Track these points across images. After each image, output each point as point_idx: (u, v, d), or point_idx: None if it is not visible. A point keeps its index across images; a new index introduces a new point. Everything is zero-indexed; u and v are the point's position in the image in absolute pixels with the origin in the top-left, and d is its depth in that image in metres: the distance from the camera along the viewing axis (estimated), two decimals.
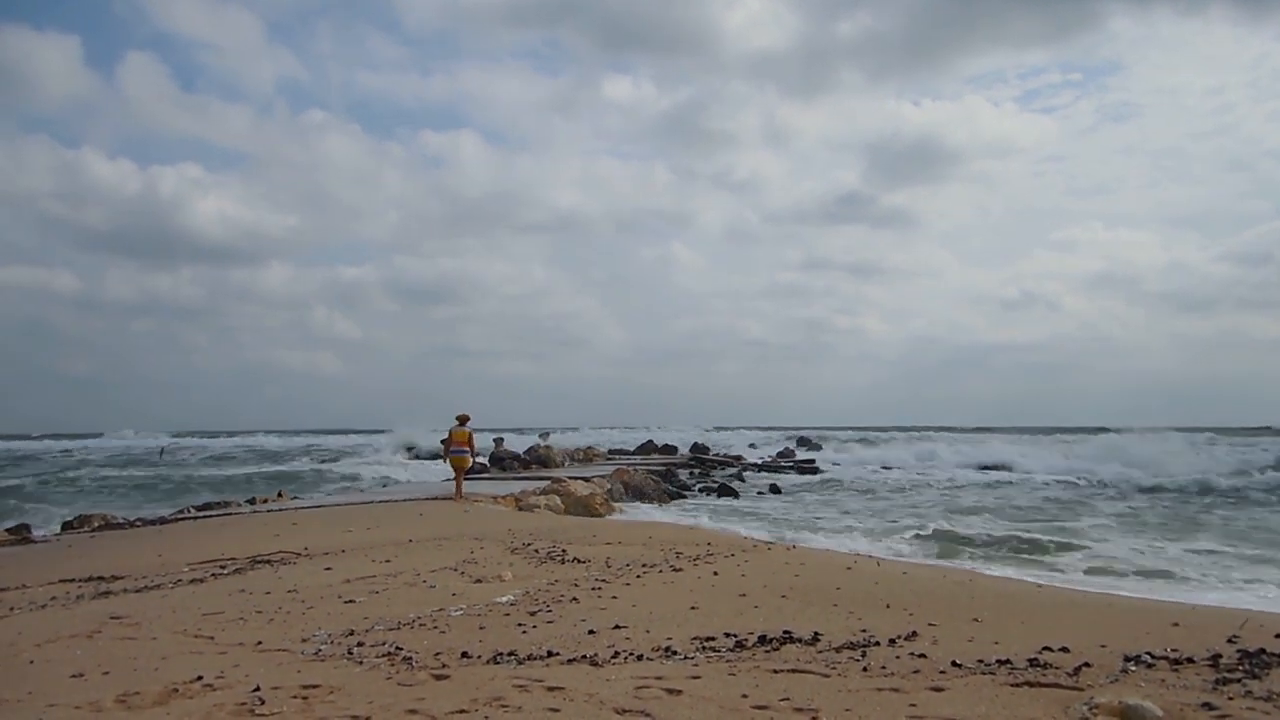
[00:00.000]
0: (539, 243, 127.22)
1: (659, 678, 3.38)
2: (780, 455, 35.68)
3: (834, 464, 29.67)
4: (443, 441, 14.49)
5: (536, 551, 7.28)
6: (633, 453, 39.91)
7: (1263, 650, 3.63)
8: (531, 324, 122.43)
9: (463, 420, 13.99)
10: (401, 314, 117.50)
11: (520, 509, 12.86)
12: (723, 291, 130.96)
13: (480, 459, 27.17)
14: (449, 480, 14.80)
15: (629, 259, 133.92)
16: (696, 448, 37.62)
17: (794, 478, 24.48)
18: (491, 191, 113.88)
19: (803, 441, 38.62)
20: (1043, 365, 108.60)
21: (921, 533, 11.22)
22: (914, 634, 4.09)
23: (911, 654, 3.72)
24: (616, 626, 4.35)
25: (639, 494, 17.31)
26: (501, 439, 35.83)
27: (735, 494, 19.17)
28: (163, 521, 12.87)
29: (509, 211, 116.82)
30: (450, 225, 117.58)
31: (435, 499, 13.95)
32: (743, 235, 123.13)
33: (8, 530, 12.60)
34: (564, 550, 7.29)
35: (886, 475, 23.81)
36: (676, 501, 17.53)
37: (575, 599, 5.14)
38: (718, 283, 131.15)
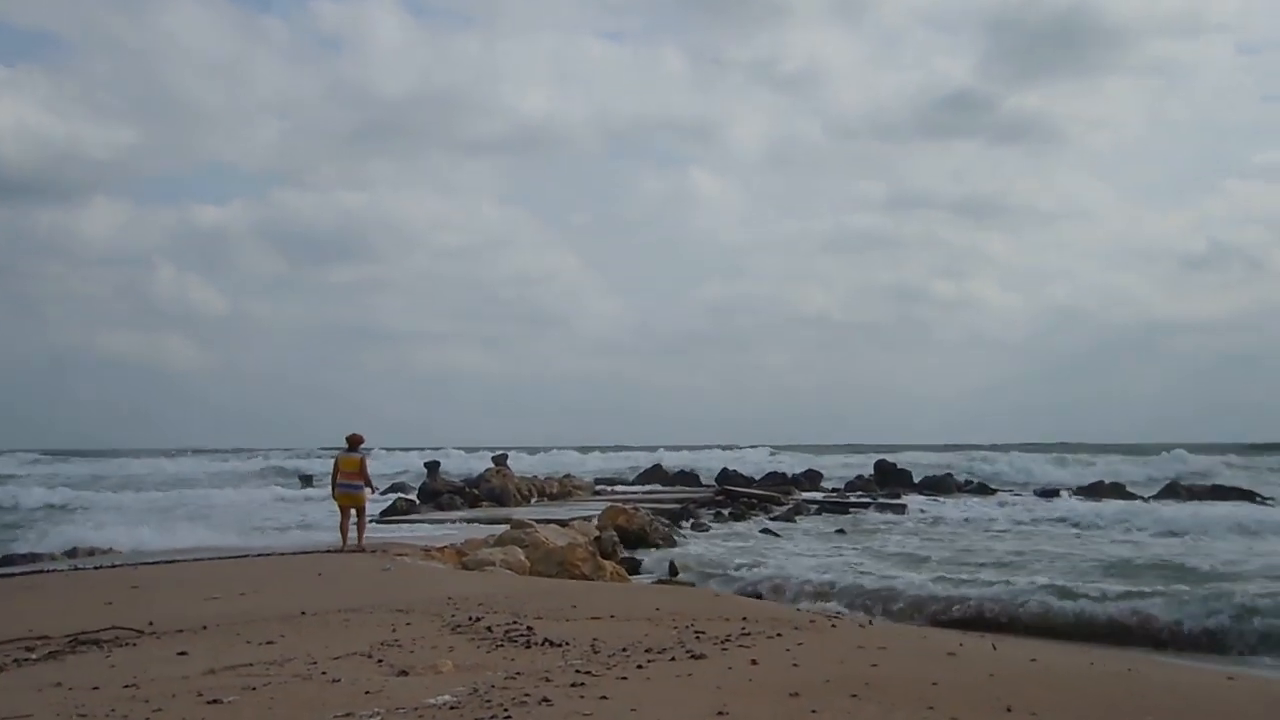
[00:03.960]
0: (491, 168, 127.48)
1: None
2: (850, 487, 35.79)
3: (932, 500, 29.74)
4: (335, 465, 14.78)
5: (489, 630, 7.31)
6: (632, 483, 40.22)
7: None
8: (481, 292, 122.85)
9: (353, 443, 14.47)
10: (286, 276, 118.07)
11: (465, 566, 12.94)
12: (766, 242, 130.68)
13: (406, 495, 27.44)
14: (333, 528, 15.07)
15: (626, 193, 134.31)
16: (725, 476, 37.78)
17: (870, 518, 24.55)
18: (418, 90, 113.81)
19: (884, 468, 38.67)
20: (1241, 350, 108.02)
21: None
22: None
23: None
24: None
25: (642, 543, 17.37)
26: (436, 463, 36.17)
27: (779, 538, 19.26)
28: None
29: (445, 121, 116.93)
30: (356, 141, 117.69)
31: (340, 550, 14.07)
32: (796, 157, 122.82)
33: None
34: (530, 628, 7.32)
35: (1024, 519, 23.78)
36: (695, 545, 17.62)
37: (546, 700, 5.17)
38: (758, 229, 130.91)
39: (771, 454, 53.60)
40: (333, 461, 14.90)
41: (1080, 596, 11.45)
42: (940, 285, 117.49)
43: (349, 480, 14.29)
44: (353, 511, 14.37)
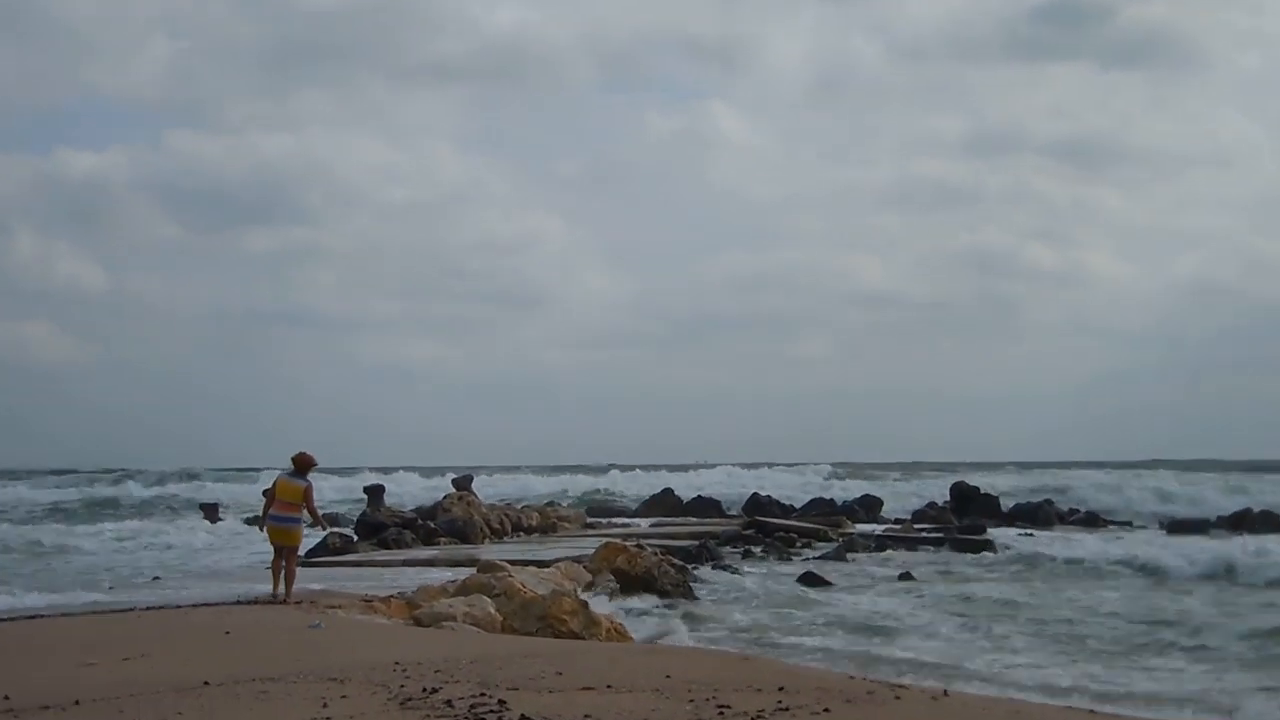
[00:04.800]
0: (451, 103, 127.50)
1: None
2: (919, 518, 35.78)
3: (1025, 534, 29.67)
4: (265, 493, 14.79)
5: (449, 705, 7.30)
6: (635, 512, 40.24)
7: None
8: (438, 264, 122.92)
9: (301, 466, 14.54)
10: (183, 243, 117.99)
11: (418, 622, 12.93)
12: (808, 197, 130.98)
13: (339, 530, 27.44)
14: (269, 566, 15.19)
15: (626, 136, 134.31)
16: (755, 504, 37.80)
17: (944, 559, 24.55)
18: (355, 2, 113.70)
19: (962, 493, 38.68)
20: None
21: None
22: None
23: None
24: None
25: (648, 591, 17.41)
26: (380, 488, 36.13)
27: (826, 584, 19.36)
28: None
29: (391, 41, 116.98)
30: (274, 68, 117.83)
31: (255, 603, 14.09)
32: (848, 87, 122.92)
33: None
34: (502, 702, 7.31)
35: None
36: (718, 597, 17.68)
37: None
38: (798, 180, 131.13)
39: (833, 478, 53.54)
40: (270, 486, 14.85)
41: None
42: (1036, 252, 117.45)
43: (285, 512, 14.32)
44: (285, 552, 14.41)
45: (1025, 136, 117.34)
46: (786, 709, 7.10)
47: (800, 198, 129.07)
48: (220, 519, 37.72)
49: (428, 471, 55.32)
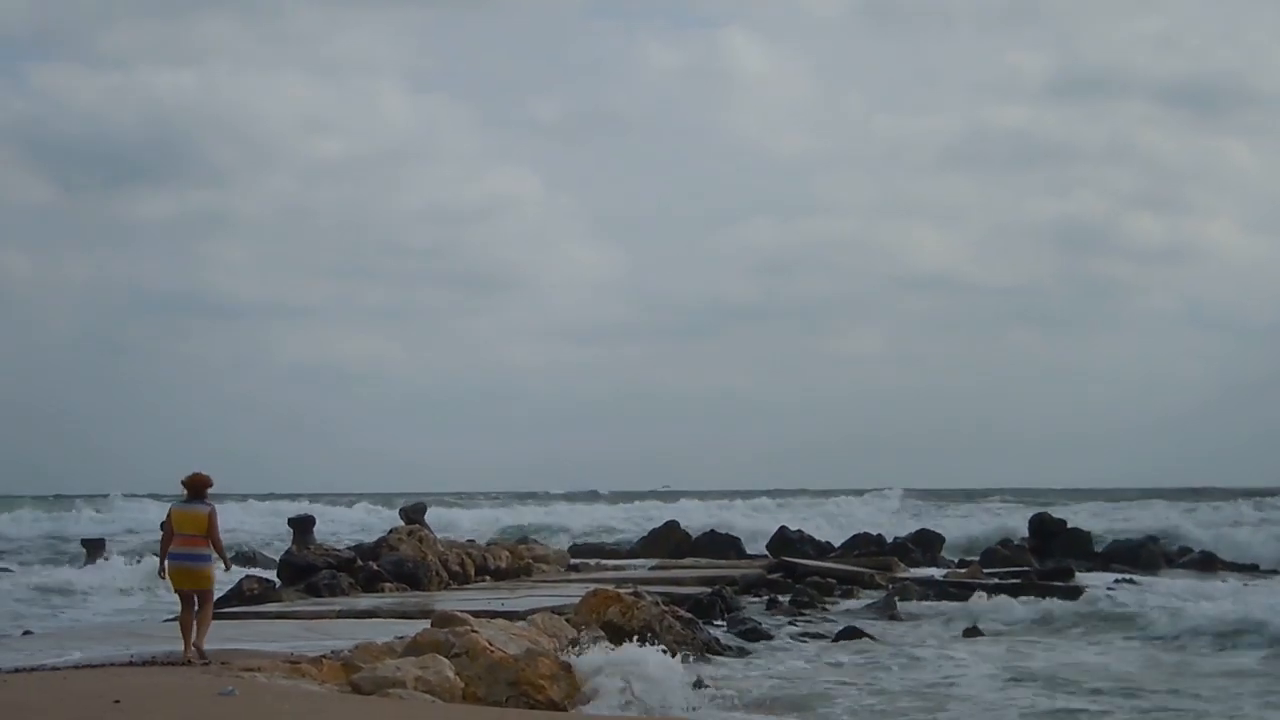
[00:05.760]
0: (397, 31, 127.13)
1: None
2: (989, 559, 35.72)
3: (1126, 580, 29.60)
4: (162, 525, 14.80)
5: None
6: (631, 552, 40.16)
7: None
8: (381, 236, 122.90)
9: (195, 488, 14.45)
10: (55, 209, 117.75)
11: (357, 689, 12.97)
12: (850, 153, 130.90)
13: (257, 572, 27.45)
14: (171, 619, 14.96)
15: (620, 74, 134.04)
16: (783, 542, 37.81)
17: (1022, 610, 24.50)
18: None
19: (1045, 528, 38.66)
20: None
21: None
22: None
23: None
24: None
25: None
26: (309, 519, 36.06)
27: (870, 643, 19.49)
28: None
29: None
30: None
31: (152, 663, 14.12)
32: (901, 11, 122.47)
33: None
34: None
35: None
36: (736, 659, 17.84)
37: None
38: (838, 131, 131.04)
39: (904, 511, 53.46)
40: (165, 518, 14.72)
41: None
42: (1141, 223, 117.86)
43: (188, 547, 14.13)
44: (195, 599, 14.25)
45: (1129, 76, 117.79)
46: None
47: (842, 153, 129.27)
48: (104, 557, 37.67)
49: (368, 499, 55.34)
